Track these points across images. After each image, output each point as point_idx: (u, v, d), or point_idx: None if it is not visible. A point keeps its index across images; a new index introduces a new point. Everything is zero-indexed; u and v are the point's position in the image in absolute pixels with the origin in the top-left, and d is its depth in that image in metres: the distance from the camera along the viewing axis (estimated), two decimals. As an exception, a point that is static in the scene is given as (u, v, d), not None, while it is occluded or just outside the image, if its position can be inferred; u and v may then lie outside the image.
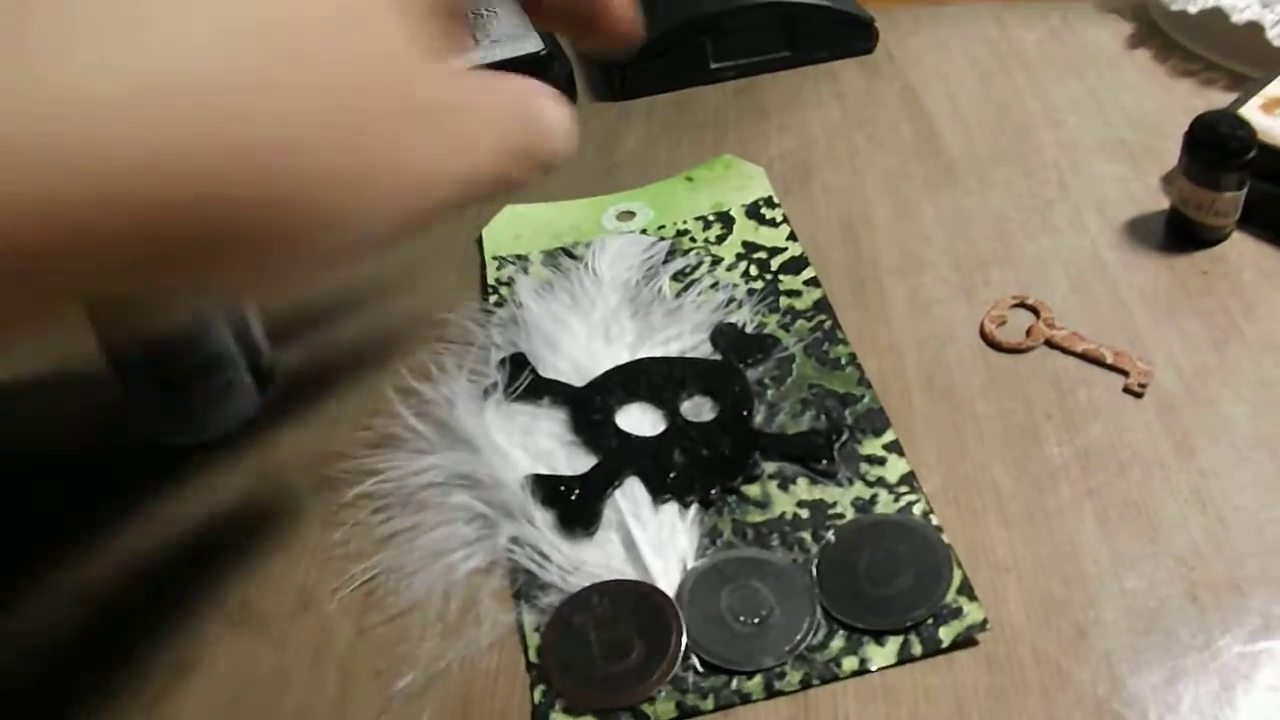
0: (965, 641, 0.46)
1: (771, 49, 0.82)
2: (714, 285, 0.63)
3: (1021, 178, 0.69)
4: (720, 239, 0.66)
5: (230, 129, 0.26)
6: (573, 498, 0.52)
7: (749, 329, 0.60)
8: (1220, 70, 0.78)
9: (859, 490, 0.52)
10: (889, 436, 0.54)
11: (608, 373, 0.58)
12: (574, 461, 0.54)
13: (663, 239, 0.67)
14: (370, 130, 0.30)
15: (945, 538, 0.49)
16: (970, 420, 0.54)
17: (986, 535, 0.49)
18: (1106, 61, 0.81)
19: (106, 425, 0.58)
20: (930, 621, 0.46)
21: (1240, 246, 0.63)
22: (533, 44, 0.78)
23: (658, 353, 0.59)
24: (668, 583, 0.49)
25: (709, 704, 0.45)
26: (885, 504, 0.51)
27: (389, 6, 0.31)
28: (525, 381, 0.57)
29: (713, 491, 0.52)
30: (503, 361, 0.58)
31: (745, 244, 0.66)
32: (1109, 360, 0.56)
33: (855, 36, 0.83)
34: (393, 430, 0.56)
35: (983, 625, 0.46)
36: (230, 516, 0.54)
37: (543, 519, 0.51)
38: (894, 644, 0.46)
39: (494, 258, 0.67)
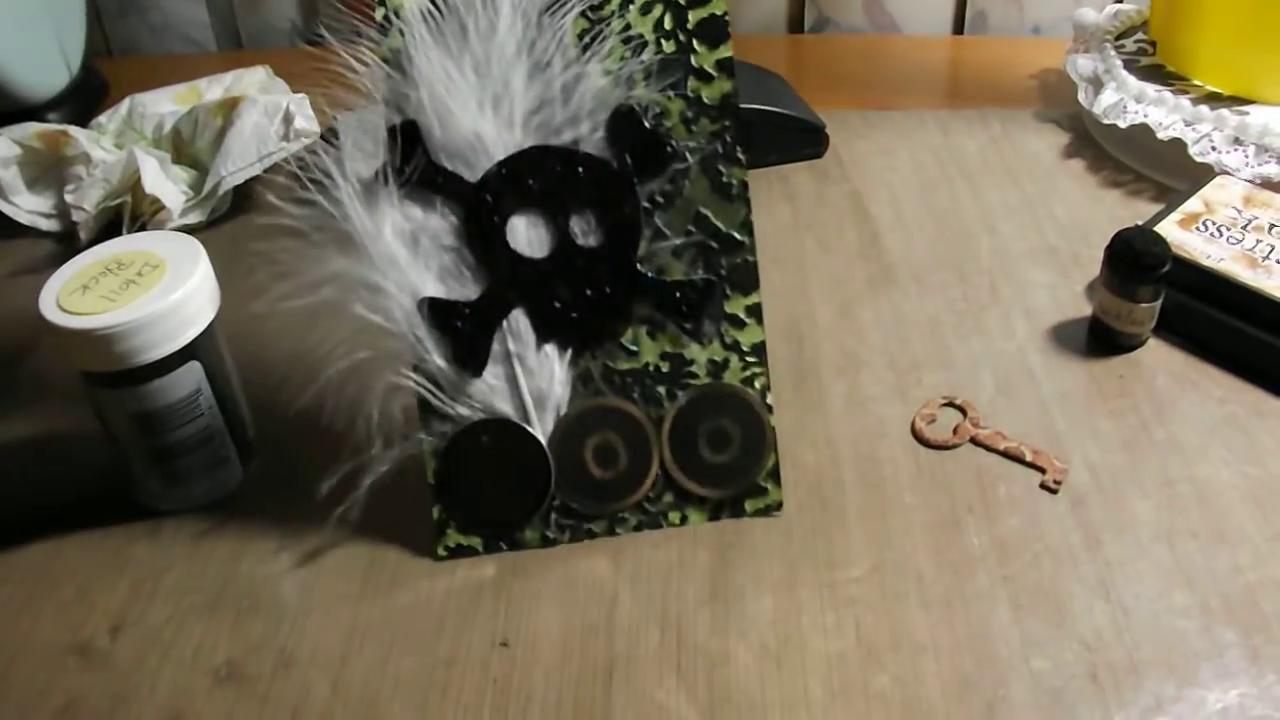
0: (760, 513, 0.58)
1: (727, 151, 0.86)
2: (625, 37, 0.55)
3: (957, 282, 0.74)
4: None
5: None
6: (464, 328, 0.55)
7: (650, 118, 0.55)
8: (1148, 182, 0.84)
9: (715, 351, 0.57)
10: (754, 299, 0.57)
11: (500, 167, 0.54)
12: (464, 279, 0.55)
13: None
14: None
15: (773, 420, 0.57)
16: (898, 511, 0.59)
17: (908, 617, 0.53)
18: (1042, 170, 0.86)
19: (101, 488, 0.62)
20: (742, 497, 0.57)
21: (1155, 353, 0.68)
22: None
23: (550, 135, 0.55)
24: (542, 430, 0.56)
25: (565, 537, 0.57)
26: (734, 370, 0.57)
27: None
28: (418, 167, 0.54)
29: (591, 341, 0.56)
30: (392, 132, 0.54)
31: None
32: (1028, 458, 0.61)
33: (807, 141, 0.88)
34: (289, 224, 0.54)
35: (779, 506, 0.58)
36: (215, 578, 0.57)
37: (435, 347, 0.55)
38: (708, 508, 0.58)
39: None
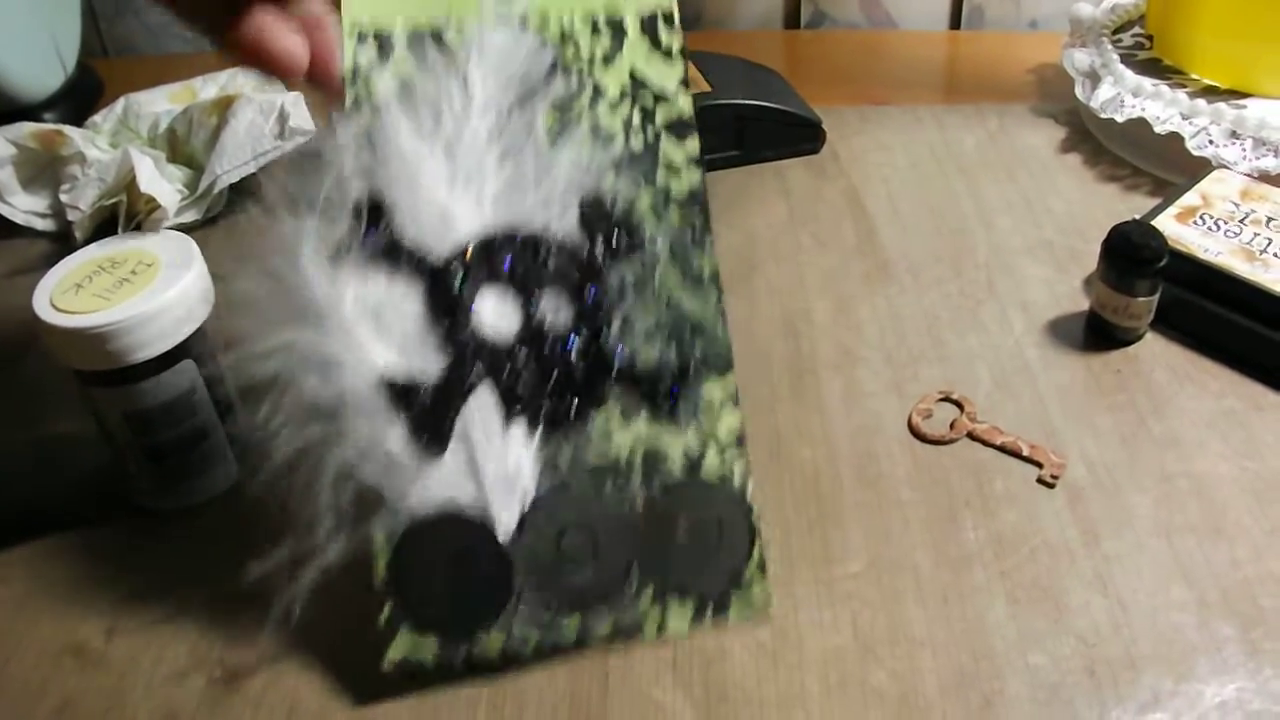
0: (747, 616, 0.53)
1: (723, 148, 0.86)
2: (593, 130, 0.56)
3: (953, 277, 0.74)
4: (607, 59, 0.58)
5: None
6: (424, 407, 0.51)
7: (620, 204, 0.55)
8: (1145, 176, 0.83)
9: (691, 440, 0.53)
10: (729, 381, 0.54)
11: (469, 247, 0.53)
12: (428, 353, 0.52)
13: (545, 43, 0.57)
14: None
15: (755, 506, 0.53)
16: (895, 507, 0.58)
17: (905, 613, 0.53)
18: (1039, 165, 0.86)
19: (97, 489, 0.62)
20: (728, 594, 0.53)
21: (1153, 347, 0.67)
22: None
23: (521, 218, 0.54)
24: (507, 519, 0.51)
25: (529, 648, 0.51)
26: (712, 460, 0.53)
27: None
28: (384, 240, 0.52)
29: (561, 422, 0.52)
30: (358, 209, 0.52)
31: (634, 76, 0.57)
32: (1025, 453, 0.61)
33: (803, 137, 0.88)
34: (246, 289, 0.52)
35: (767, 604, 0.53)
36: (211, 578, 0.57)
37: (392, 430, 0.50)
38: (690, 608, 0.52)
39: (353, 27, 0.55)
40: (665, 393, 0.53)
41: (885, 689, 0.50)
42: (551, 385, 0.53)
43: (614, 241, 0.55)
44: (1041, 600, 0.54)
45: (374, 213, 0.52)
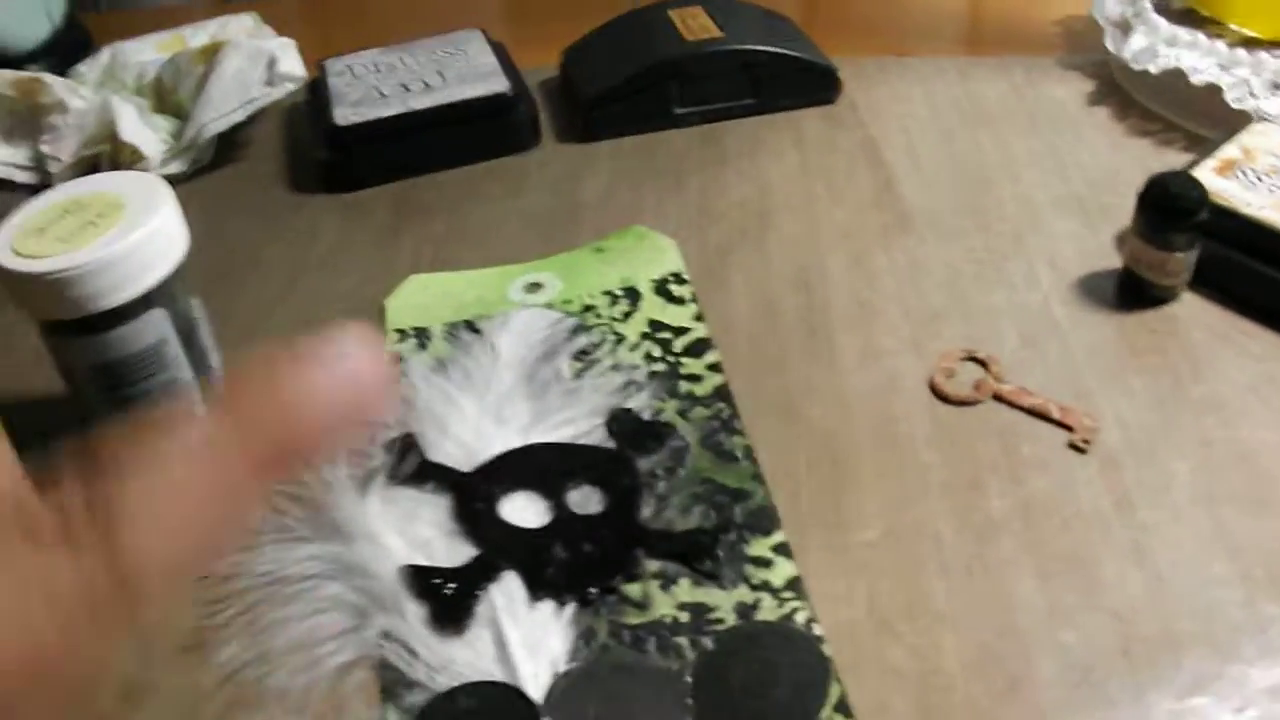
0: None
1: (735, 96, 0.82)
2: (614, 366, 0.61)
3: (977, 231, 0.70)
4: (626, 316, 0.65)
5: None
6: (447, 592, 0.50)
7: (647, 414, 0.58)
8: (1178, 130, 0.79)
9: (742, 594, 0.49)
10: (778, 537, 0.52)
11: (496, 458, 0.56)
12: (453, 551, 0.52)
13: (569, 314, 0.65)
14: None
15: (827, 649, 0.47)
16: (915, 471, 0.55)
17: (926, 584, 0.50)
18: (1066, 119, 0.81)
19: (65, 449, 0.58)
20: None
21: (1190, 307, 0.63)
22: (497, 84, 0.78)
23: (551, 437, 0.57)
24: (536, 687, 0.46)
25: None
26: (768, 609, 0.49)
27: None
28: (411, 466, 0.55)
29: (591, 591, 0.50)
30: (390, 444, 0.56)
31: (651, 322, 0.64)
32: (1055, 415, 0.57)
33: (818, 86, 0.84)
34: (269, 519, 0.53)
35: None
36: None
37: (414, 613, 0.49)
38: None
39: (395, 330, 0.65)
40: (706, 557, 0.51)
41: (904, 667, 0.47)
42: (582, 561, 0.51)
43: (641, 443, 0.57)
44: (1073, 573, 0.50)
45: (405, 446, 0.56)
